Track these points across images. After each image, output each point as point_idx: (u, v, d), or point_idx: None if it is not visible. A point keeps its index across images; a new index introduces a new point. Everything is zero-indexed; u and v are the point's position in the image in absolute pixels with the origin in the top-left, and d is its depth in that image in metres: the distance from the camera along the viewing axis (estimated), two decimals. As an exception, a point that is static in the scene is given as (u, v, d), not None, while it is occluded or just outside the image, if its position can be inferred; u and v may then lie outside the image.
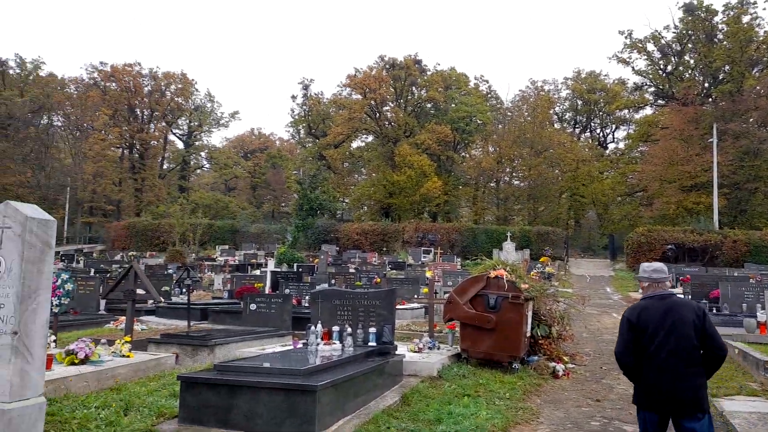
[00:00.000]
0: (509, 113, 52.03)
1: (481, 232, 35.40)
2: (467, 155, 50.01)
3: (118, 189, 52.36)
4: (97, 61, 75.66)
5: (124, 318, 9.31)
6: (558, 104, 54.25)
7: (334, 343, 7.02)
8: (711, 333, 3.69)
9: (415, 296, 14.03)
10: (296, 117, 56.04)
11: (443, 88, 48.87)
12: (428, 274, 19.01)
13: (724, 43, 39.17)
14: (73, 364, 6.29)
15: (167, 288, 15.09)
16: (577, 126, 55.93)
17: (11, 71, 52.48)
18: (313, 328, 7.07)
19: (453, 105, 48.14)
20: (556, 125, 52.41)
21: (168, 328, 10.83)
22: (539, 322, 9.03)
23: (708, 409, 3.67)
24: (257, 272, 18.89)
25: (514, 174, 48.21)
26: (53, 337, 7.27)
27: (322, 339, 7.11)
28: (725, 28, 39.42)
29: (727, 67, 39.42)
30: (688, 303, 3.96)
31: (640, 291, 4.16)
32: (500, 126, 50.28)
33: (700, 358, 3.67)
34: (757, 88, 36.87)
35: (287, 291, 13.04)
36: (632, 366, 3.82)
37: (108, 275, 17.39)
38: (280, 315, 10.36)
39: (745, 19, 38.24)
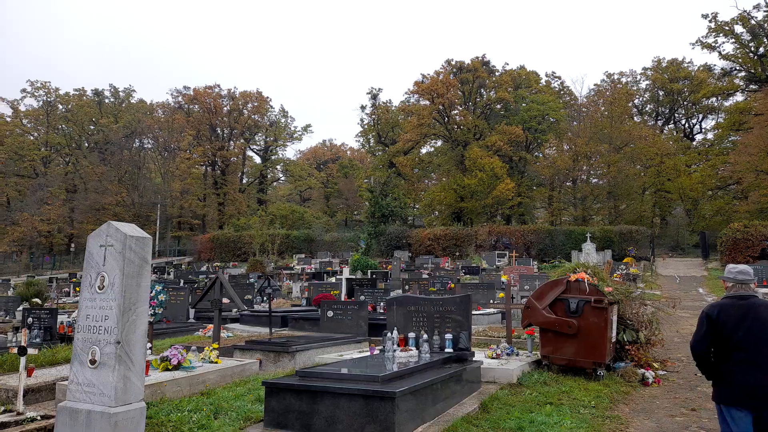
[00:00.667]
0: (584, 109, 50.03)
1: (558, 233, 34.22)
2: (541, 155, 48.61)
3: (202, 204, 55.53)
4: (181, 85, 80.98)
5: (211, 326, 9.83)
6: (637, 96, 51.55)
7: (411, 350, 7.05)
8: None
9: (491, 301, 13.77)
10: (366, 126, 56.97)
11: (513, 87, 47.89)
12: (504, 279, 18.64)
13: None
14: (167, 370, 6.72)
15: (249, 297, 15.77)
16: (659, 118, 52.85)
17: (107, 100, 57.27)
18: (389, 334, 7.14)
19: (524, 104, 47.04)
20: (635, 119, 49.79)
21: (251, 335, 11.31)
22: (625, 327, 8.60)
23: None
24: (333, 280, 19.31)
25: (591, 172, 46.21)
26: (149, 345, 7.82)
27: (398, 345, 7.16)
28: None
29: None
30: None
31: (725, 289, 4.18)
32: (575, 123, 48.46)
33: None
34: None
35: (362, 298, 13.24)
36: (706, 357, 3.99)
37: (196, 286, 18.42)
38: (356, 322, 10.53)
39: None
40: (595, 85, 58.68)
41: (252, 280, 19.32)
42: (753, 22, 39.80)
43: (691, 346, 4.11)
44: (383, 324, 8.50)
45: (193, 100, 57.59)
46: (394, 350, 6.90)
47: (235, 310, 13.46)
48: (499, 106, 48.17)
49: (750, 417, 3.75)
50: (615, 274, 19.35)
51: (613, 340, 8.16)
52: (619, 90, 47.68)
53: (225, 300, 9.74)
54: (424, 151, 53.50)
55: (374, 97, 54.78)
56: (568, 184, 46.09)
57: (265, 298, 14.49)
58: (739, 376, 3.80)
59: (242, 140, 60.64)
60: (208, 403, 5.85)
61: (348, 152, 72.27)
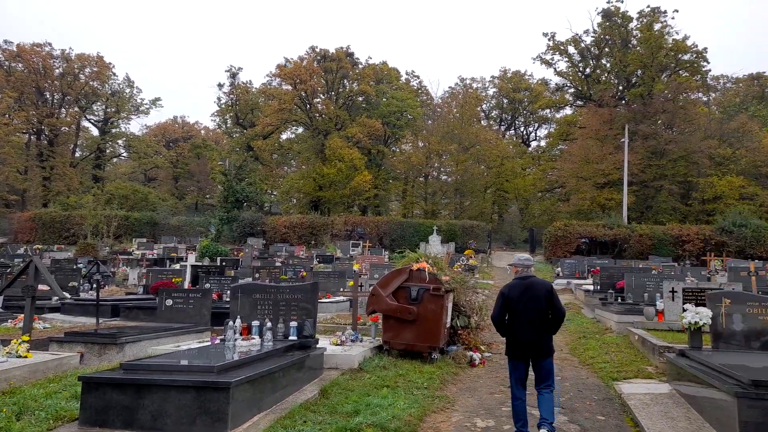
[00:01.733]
0: (438, 109, 53.04)
1: (409, 225, 35.91)
2: (397, 150, 50.51)
3: (23, 178, 48.50)
4: (0, 39, 69.45)
5: (23, 316, 8.63)
6: (485, 102, 55.93)
7: (254, 338, 6.88)
8: (554, 303, 5.21)
9: (341, 289, 14.02)
10: (223, 106, 54.25)
11: (375, 81, 48.98)
12: (355, 267, 19.07)
13: (638, 48, 41.81)
14: (-41, 367, 5.76)
15: (75, 284, 14.16)
16: (502, 123, 57.94)
17: None
18: (231, 323, 6.87)
19: (384, 99, 48.39)
20: (483, 122, 54.03)
21: (74, 326, 10.16)
22: (459, 313, 9.29)
23: (552, 353, 5.31)
24: (177, 266, 18.13)
25: (442, 169, 49.23)
26: (-63, 339, 6.63)
27: (240, 334, 6.94)
28: (639, 35, 42.07)
29: (639, 72, 42.14)
30: (542, 282, 5.42)
31: (514, 273, 5.57)
32: (430, 122, 51.15)
33: (548, 319, 5.20)
34: (665, 92, 39.74)
35: (207, 285, 12.61)
36: (501, 322, 5.33)
37: (9, 270, 16.06)
38: (199, 310, 10.01)
39: (657, 27, 41.00)
40: (449, 87, 62.58)
41: (81, 265, 17.35)
42: (583, 45, 45.36)
43: (492, 317, 5.45)
44: (229, 313, 8.19)
45: (17, 57, 49.80)
46: (236, 339, 6.67)
47: (55, 298, 11.98)
48: (360, 99, 48.98)
49: (524, 364, 5.25)
50: (456, 265, 20.82)
51: (448, 325, 8.77)
52: (470, 94, 51.35)
53: (43, 287, 8.61)
54: (284, 136, 52.51)
55: (233, 75, 52.38)
56: (420, 179, 48.53)
57: (93, 285, 13.11)
58: (520, 335, 5.19)
59: (76, 108, 53.95)
60: (10, 403, 5.13)
61: (202, 131, 68.22)
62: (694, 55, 40.97)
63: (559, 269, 25.08)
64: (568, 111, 51.27)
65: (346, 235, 34.58)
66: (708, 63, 41.77)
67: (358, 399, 5.98)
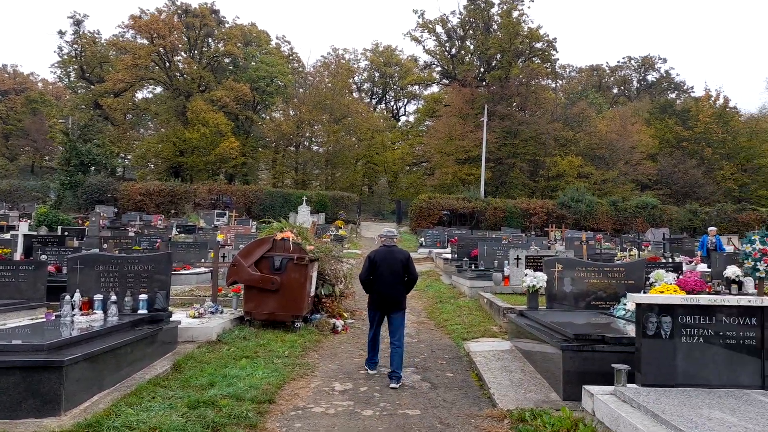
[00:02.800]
0: (311, 78, 52.10)
1: (279, 195, 35.20)
2: (267, 117, 48.88)
3: None
4: None
5: None
6: (357, 74, 56.05)
7: (96, 313, 6.29)
8: (409, 268, 6.41)
9: (202, 260, 13.35)
10: (65, 57, 47.99)
11: (242, 43, 46.55)
12: (219, 238, 18.29)
13: (498, 33, 44.53)
14: None
15: None
16: (374, 97, 58.65)
17: None
18: (67, 297, 6.22)
19: (253, 63, 46.25)
20: (354, 94, 54.20)
21: None
22: (324, 282, 9.35)
23: (404, 308, 6.45)
24: (7, 236, 15.91)
25: (313, 139, 48.74)
26: None
27: (81, 309, 6.31)
28: (499, 20, 44.77)
29: (498, 56, 45.02)
30: (401, 251, 6.56)
31: (381, 242, 6.66)
32: (301, 90, 50.11)
33: (404, 281, 6.40)
34: (520, 77, 42.98)
35: (43, 257, 11.25)
36: (367, 281, 6.45)
37: None
38: (33, 285, 8.89)
39: (515, 14, 43.92)
40: (322, 56, 61.71)
41: None
42: (449, 25, 47.19)
43: (360, 276, 6.63)
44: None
45: None
46: (73, 315, 6.06)
47: None
48: (227, 61, 46.31)
49: (381, 314, 6.40)
50: (324, 235, 20.93)
51: (312, 294, 8.79)
52: (343, 65, 51.08)
53: None
54: (140, 96, 48.04)
55: (78, 23, 46.45)
56: (291, 148, 47.63)
57: None
58: (378, 291, 6.35)
59: None
60: None
61: (39, 84, 59.95)
62: (546, 44, 44.69)
63: (423, 239, 26.35)
64: (435, 88, 53.36)
65: (211, 205, 32.96)
66: (557, 52, 45.96)
67: (214, 371, 5.79)
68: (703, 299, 4.45)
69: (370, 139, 46.66)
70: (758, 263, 8.15)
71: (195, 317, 7.88)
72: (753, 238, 8.31)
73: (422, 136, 48.43)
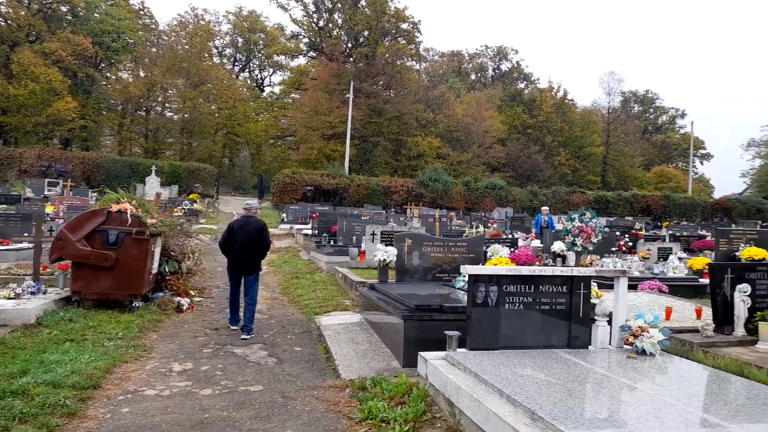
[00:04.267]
0: (165, 37, 47.94)
1: (125, 164, 32.14)
2: (113, 77, 44.14)
3: None
4: None
5: None
6: (218, 38, 52.83)
7: None
8: (263, 236, 7.20)
9: (25, 234, 11.78)
10: None
11: (83, -9, 41.22)
12: (49, 210, 16.29)
13: (366, 10, 44.65)
14: None
15: None
16: (237, 64, 55.79)
17: None
18: None
19: (96, 15, 41.26)
20: (215, 59, 51.08)
21: None
22: (169, 258, 8.75)
23: (258, 271, 7.25)
24: None
25: (167, 105, 45.12)
26: None
27: None
28: (367, -3, 44.88)
29: (366, 33, 45.27)
30: (258, 221, 7.31)
31: (243, 212, 7.44)
32: (154, 50, 45.93)
33: (259, 247, 7.16)
34: (386, 56, 43.71)
35: None
36: (225, 246, 7.20)
37: None
38: None
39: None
40: (178, 14, 56.98)
41: None
42: (318, -4, 46.21)
43: (219, 242, 7.45)
44: None
45: None
46: None
47: None
48: (65, 9, 40.73)
49: (238, 276, 7.16)
50: (175, 209, 19.63)
51: (155, 271, 8.18)
52: (202, 27, 47.71)
53: None
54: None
55: None
56: (140, 113, 43.66)
57: None
58: (235, 256, 7.10)
59: None
60: None
61: None
62: (411, 26, 45.90)
63: (285, 215, 25.95)
64: (302, 60, 52.25)
65: (41, 173, 29.10)
66: (421, 34, 47.49)
67: (29, 357, 5.14)
68: (524, 270, 4.91)
69: (232, 109, 44.47)
70: (576, 239, 9.25)
71: (11, 298, 6.94)
72: (573, 216, 9.40)
73: (288, 109, 47.34)
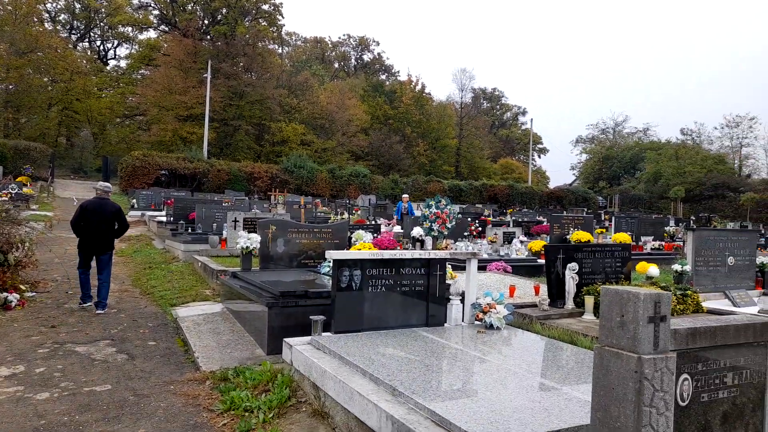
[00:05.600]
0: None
1: (-71, 141, 27.14)
2: None
3: None
4: None
5: None
6: (50, 1, 46.56)
7: None
8: (121, 218, 7.55)
9: None
10: None
11: None
12: None
13: (223, -15, 42.42)
14: None
15: None
16: (74, 32, 49.68)
17: None
18: None
19: None
20: (47, 25, 44.99)
21: None
22: (-9, 249, 7.61)
23: (111, 250, 7.49)
24: None
25: (-14, 73, 38.80)
26: None
27: None
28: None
29: (224, 10, 43.02)
30: (113, 203, 7.62)
31: (96, 194, 7.61)
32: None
33: (114, 228, 7.49)
34: (246, 36, 42.00)
35: None
36: (78, 226, 7.33)
37: None
38: None
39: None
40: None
41: None
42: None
43: (71, 222, 7.51)
44: None
45: None
46: None
47: None
48: None
49: (89, 256, 7.36)
50: (2, 193, 17.16)
51: (-27, 264, 7.08)
52: (30, -14, 41.67)
53: None
54: None
55: None
56: (-50, 80, 37.06)
57: None
58: (87, 236, 7.31)
59: None
60: None
61: None
62: (272, 8, 44.66)
63: (135, 201, 23.96)
64: (152, 34, 48.21)
65: None
66: (283, 17, 46.39)
67: None
68: (386, 254, 5.10)
69: (69, 82, 39.60)
70: (433, 224, 9.81)
71: None
72: (430, 203, 9.95)
73: (137, 86, 43.38)
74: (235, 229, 11.45)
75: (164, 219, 17.33)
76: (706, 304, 6.55)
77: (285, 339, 4.71)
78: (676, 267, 7.41)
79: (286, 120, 42.73)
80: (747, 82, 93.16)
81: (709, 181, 45.87)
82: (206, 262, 9.57)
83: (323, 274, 6.98)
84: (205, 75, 36.10)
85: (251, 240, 7.74)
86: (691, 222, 27.75)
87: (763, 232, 21.13)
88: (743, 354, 2.51)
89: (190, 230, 13.83)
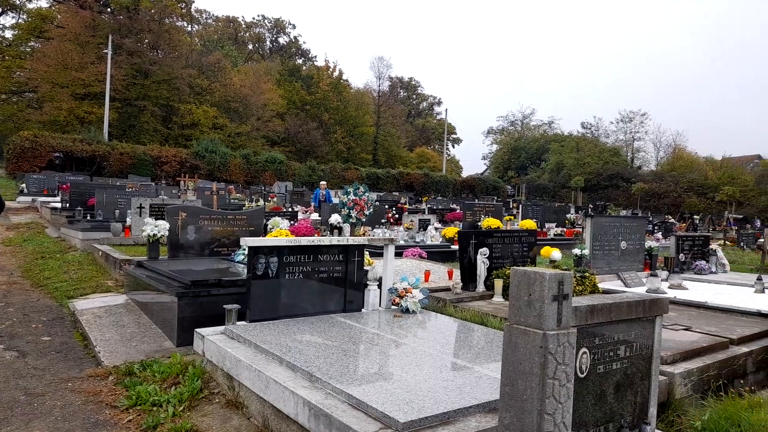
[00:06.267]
0: None
1: None
2: None
3: None
4: None
5: None
6: None
7: None
8: None
9: None
10: None
11: None
12: None
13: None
14: None
15: None
16: (-52, -5, 44.18)
17: None
18: None
19: None
20: None
21: None
22: None
23: None
24: None
25: None
26: None
27: None
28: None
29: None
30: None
31: None
32: None
33: None
34: (152, 11, 39.43)
35: None
36: None
37: None
38: None
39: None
40: None
41: None
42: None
43: None
44: None
45: None
46: None
47: None
48: None
49: None
50: None
51: None
52: None
53: None
54: None
55: None
56: None
57: None
58: None
59: None
60: None
61: None
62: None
63: (25, 185, 21.96)
64: (43, 3, 43.99)
65: None
66: (193, -6, 44.04)
67: None
68: (304, 241, 5.03)
69: (-57, 52, 35.31)
70: (351, 211, 9.82)
71: None
72: (349, 190, 9.94)
73: (26, 60, 39.44)
74: (140, 216, 10.80)
75: (59, 205, 16.07)
76: (601, 285, 7.09)
77: (197, 329, 4.53)
78: (576, 251, 7.95)
79: (197, 102, 40.78)
80: (643, 80, 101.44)
81: (606, 172, 49.59)
82: (108, 251, 8.96)
83: (237, 262, 6.78)
84: (105, 51, 33.54)
85: (159, 227, 7.34)
86: (590, 210, 29.95)
87: (650, 219, 23.25)
88: (634, 329, 2.74)
89: (89, 217, 12.89)
